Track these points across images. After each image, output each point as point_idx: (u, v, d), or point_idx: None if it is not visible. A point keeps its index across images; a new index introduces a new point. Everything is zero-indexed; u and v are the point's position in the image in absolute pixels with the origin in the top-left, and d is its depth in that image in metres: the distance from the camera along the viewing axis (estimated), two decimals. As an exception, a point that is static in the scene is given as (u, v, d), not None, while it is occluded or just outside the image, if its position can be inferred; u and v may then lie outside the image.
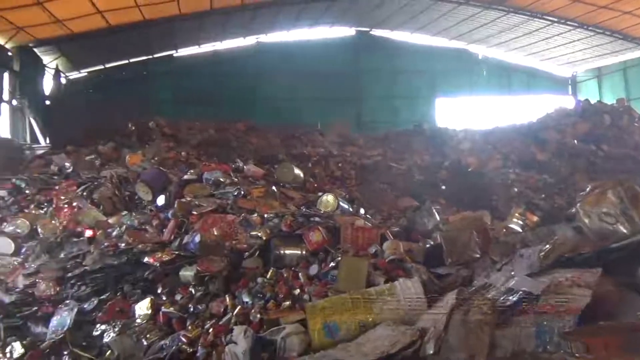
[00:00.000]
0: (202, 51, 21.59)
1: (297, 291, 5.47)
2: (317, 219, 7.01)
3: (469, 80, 23.78)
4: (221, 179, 8.61)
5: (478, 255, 5.62)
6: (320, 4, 19.14)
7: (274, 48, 21.96)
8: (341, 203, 8.08)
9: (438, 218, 7.73)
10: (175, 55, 21.26)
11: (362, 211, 8.94)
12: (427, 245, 6.30)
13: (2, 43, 14.53)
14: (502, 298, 3.87)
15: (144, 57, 20.46)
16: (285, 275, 5.88)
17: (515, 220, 8.29)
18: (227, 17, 18.73)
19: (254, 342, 4.18)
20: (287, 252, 6.23)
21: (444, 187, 13.35)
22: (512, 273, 4.46)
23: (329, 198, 7.99)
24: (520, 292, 3.85)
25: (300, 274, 5.81)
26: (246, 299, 5.68)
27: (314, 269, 5.85)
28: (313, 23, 21.69)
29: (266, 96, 21.16)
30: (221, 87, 20.90)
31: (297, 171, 9.65)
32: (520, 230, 7.80)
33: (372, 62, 22.45)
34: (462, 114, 23.34)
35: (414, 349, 3.47)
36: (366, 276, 5.07)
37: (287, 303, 5.27)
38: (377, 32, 23.23)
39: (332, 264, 5.81)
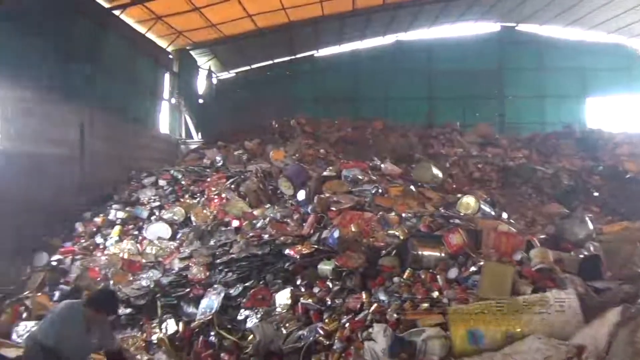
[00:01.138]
0: (342, 50, 21.98)
1: (436, 294, 5.35)
2: (457, 221, 6.81)
3: (626, 78, 21.47)
4: (359, 177, 8.70)
5: (643, 270, 5.08)
6: (464, 1, 18.55)
7: (413, 46, 21.67)
8: (482, 206, 7.75)
9: (591, 227, 7.10)
10: (316, 55, 21.89)
11: (504, 215, 8.51)
12: (581, 256, 5.81)
13: (165, 47, 16.01)
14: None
15: (287, 58, 21.33)
16: (422, 276, 5.78)
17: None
18: (368, 17, 18.87)
19: (393, 341, 4.16)
20: (425, 253, 6.10)
21: (596, 194, 12.26)
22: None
23: (469, 200, 7.72)
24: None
25: (438, 276, 5.67)
26: (382, 297, 5.67)
27: (453, 272, 5.67)
28: (455, 20, 21.07)
29: (404, 95, 20.98)
30: (359, 85, 21.12)
31: (435, 171, 9.44)
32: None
33: (517, 59, 21.21)
34: (617, 115, 21.23)
35: (568, 366, 3.23)
36: (511, 284, 4.81)
37: (425, 305, 5.17)
38: (523, 28, 21.94)
39: (472, 268, 5.60)
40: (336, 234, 6.67)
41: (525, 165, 13.29)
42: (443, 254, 6.03)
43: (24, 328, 6.63)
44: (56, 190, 9.18)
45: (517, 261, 5.60)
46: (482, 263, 5.44)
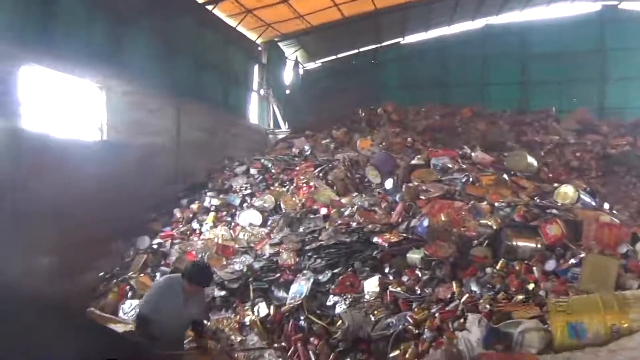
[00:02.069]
0: (428, 37, 21.50)
1: (531, 286, 5.16)
2: (554, 211, 6.50)
3: None
4: (449, 165, 8.52)
5: None
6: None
7: (503, 30, 20.73)
8: (582, 196, 7.34)
9: None
10: (402, 42, 21.57)
11: (606, 206, 8.01)
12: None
13: (254, 39, 16.44)
14: None
15: (373, 46, 21.18)
16: (517, 267, 5.60)
17: None
18: (457, 2, 18.32)
19: (488, 332, 4.07)
20: (520, 243, 5.88)
21: None
22: None
23: (567, 190, 7.33)
24: None
25: (534, 268, 5.46)
26: (474, 287, 5.55)
27: (550, 264, 5.44)
28: (550, 1, 19.95)
29: (494, 80, 20.17)
30: (447, 72, 20.58)
31: (530, 159, 9.03)
32: None
33: (621, 39, 19.63)
34: None
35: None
36: (616, 278, 4.54)
37: (520, 297, 5.01)
38: (627, 5, 20.32)
39: (572, 260, 5.34)
40: (425, 222, 6.58)
41: (629, 153, 12.35)
42: (539, 245, 5.79)
43: (129, 306, 7.14)
44: (156, 178, 9.75)
45: (622, 254, 5.27)
46: (582, 255, 5.17)
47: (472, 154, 9.54)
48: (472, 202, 7.09)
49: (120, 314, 7.10)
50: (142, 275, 7.86)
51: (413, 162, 8.87)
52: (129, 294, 7.51)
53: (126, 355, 4.76)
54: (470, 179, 7.84)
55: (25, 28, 6.91)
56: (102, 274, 8.09)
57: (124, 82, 8.98)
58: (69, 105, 7.96)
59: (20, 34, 6.81)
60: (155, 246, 8.59)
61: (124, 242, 8.73)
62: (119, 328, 6.21)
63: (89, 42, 8.12)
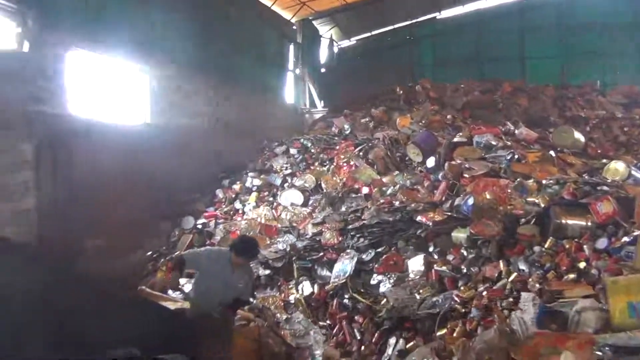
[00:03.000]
0: (465, 11, 20.99)
1: (582, 264, 5.05)
2: (604, 187, 6.32)
3: None
4: (492, 142, 8.35)
5: None
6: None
7: (541, 0, 20.07)
8: (633, 172, 7.11)
9: None
10: (438, 17, 21.12)
11: (657, 182, 7.74)
12: None
13: (289, 18, 16.36)
14: None
15: (408, 22, 20.81)
16: (566, 246, 5.48)
17: None
18: (495, -27, 17.84)
19: (542, 311, 4.01)
20: (570, 221, 5.73)
21: None
22: None
23: (618, 166, 7.11)
24: None
25: (585, 246, 5.34)
26: (522, 266, 5.47)
27: (602, 243, 5.29)
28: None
29: (533, 54, 19.56)
30: (484, 46, 20.02)
31: (577, 135, 8.78)
32: None
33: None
34: None
35: None
36: (674, 255, 4.40)
37: (572, 276, 4.92)
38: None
39: (625, 238, 5.18)
40: (470, 201, 6.50)
41: (678, 127, 11.89)
42: (589, 223, 5.64)
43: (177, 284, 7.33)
44: (198, 159, 9.89)
45: (678, 232, 5.09)
46: (637, 233, 5.02)
47: (516, 131, 9.32)
48: (518, 179, 6.95)
49: (169, 291, 7.29)
50: (188, 254, 8.03)
51: (455, 139, 8.73)
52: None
53: (177, 330, 4.93)
54: (516, 156, 7.67)
55: (71, 14, 7.03)
56: (150, 253, 8.32)
57: (164, 66, 9.09)
58: (113, 90, 8.11)
59: (66, 19, 6.94)
60: (199, 226, 8.77)
61: (170, 223, 8.93)
62: (169, 305, 6.38)
63: (131, 27, 8.23)
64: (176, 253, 5.82)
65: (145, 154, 8.01)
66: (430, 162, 8.31)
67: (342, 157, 9.48)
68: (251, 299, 6.33)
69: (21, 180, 6.09)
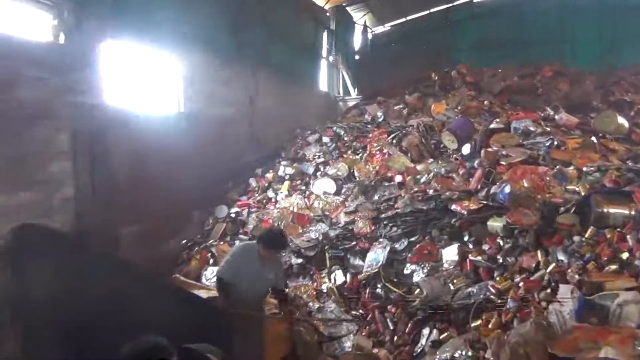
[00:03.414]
0: (504, -8, 20.41)
1: (625, 255, 4.85)
2: (649, 175, 6.06)
3: None
4: (531, 128, 8.10)
5: None
6: None
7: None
8: (680, 158, 6.80)
9: None
10: (475, 0, 20.59)
11: None
12: None
13: (322, 5, 16.22)
14: None
15: (444, 6, 20.35)
16: (608, 236, 5.27)
17: None
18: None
19: (581, 304, 3.87)
20: (611, 210, 5.51)
21: None
22: None
23: (664, 152, 6.81)
24: None
25: (628, 236, 5.13)
26: (561, 257, 5.31)
27: (646, 232, 5.08)
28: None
29: (575, 36, 18.86)
30: (524, 29, 19.37)
31: (620, 120, 8.40)
32: None
33: None
34: None
35: None
36: None
37: (614, 267, 4.74)
38: None
39: (672, 228, 4.97)
40: (507, 189, 6.32)
41: None
42: (633, 212, 5.41)
43: (211, 272, 7.42)
44: (231, 148, 9.95)
45: None
46: (685, 223, 4.80)
47: (556, 116, 9.01)
48: (557, 166, 6.73)
49: (203, 280, 7.39)
50: (221, 243, 8.14)
51: (492, 126, 8.50)
52: (210, 261, 7.81)
53: (210, 318, 4.98)
54: (555, 143, 7.42)
55: (105, 4, 7.09)
56: (184, 242, 8.43)
57: (198, 54, 9.13)
58: (148, 79, 8.20)
59: (101, 10, 7.00)
60: (233, 215, 8.82)
61: (203, 211, 9.02)
62: (203, 293, 6.46)
63: (165, 15, 8.27)
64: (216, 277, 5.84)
65: (180, 143, 8.07)
66: (466, 149, 8.13)
67: (375, 145, 9.36)
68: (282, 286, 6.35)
69: (59, 170, 6.22)
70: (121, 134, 7.11)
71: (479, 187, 6.95)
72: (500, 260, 5.79)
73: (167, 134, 8.01)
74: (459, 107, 10.25)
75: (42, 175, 5.90)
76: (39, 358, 4.76)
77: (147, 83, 8.16)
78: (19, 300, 4.98)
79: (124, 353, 2.95)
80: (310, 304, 6.76)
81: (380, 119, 10.78)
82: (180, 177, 7.97)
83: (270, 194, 9.28)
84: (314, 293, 7.00)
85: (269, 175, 9.79)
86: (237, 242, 8.00)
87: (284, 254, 6.91)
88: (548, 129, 8.21)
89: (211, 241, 8.25)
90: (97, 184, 6.73)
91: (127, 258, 6.34)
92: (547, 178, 6.50)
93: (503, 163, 7.22)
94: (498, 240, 6.06)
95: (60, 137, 6.22)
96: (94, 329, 4.41)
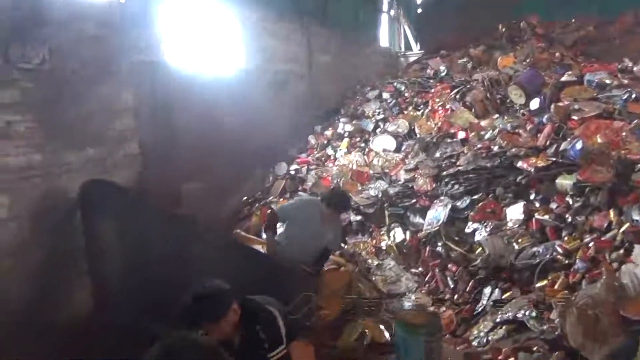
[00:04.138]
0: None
1: None
2: None
3: None
4: (606, 81, 7.56)
5: None
6: None
7: None
8: None
9: None
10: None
11: None
12: None
13: (383, -44, 15.69)
14: None
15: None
16: (692, 195, 4.92)
17: None
18: None
19: (657, 265, 3.64)
20: (692, 167, 5.13)
21: None
22: None
23: None
24: None
25: None
26: (636, 216, 5.00)
27: None
28: None
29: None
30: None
31: None
32: None
33: None
34: None
35: None
36: None
37: (695, 227, 4.42)
38: None
39: None
40: (578, 145, 5.97)
41: None
42: None
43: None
44: (290, 105, 9.91)
45: None
46: None
47: (634, 68, 8.37)
48: (634, 121, 6.28)
49: (263, 235, 7.51)
50: (281, 199, 8.22)
51: (563, 78, 8.01)
52: (271, 217, 7.91)
53: (270, 272, 5.07)
54: (633, 96, 6.90)
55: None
56: (245, 198, 8.58)
57: (258, 10, 9.05)
58: (208, 37, 8.20)
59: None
60: (292, 172, 8.87)
61: (263, 168, 9.11)
62: (263, 249, 6.58)
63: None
64: (269, 210, 5.93)
65: (239, 100, 8.10)
66: (535, 103, 7.71)
67: (438, 100, 9.04)
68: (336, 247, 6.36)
69: (124, 127, 6.40)
70: (182, 91, 7.20)
71: (548, 143, 6.61)
72: (569, 220, 5.54)
73: (227, 91, 8.04)
74: (528, 60, 9.71)
75: (107, 133, 6.08)
76: (108, 309, 5.02)
77: (207, 40, 8.18)
78: (90, 251, 5.23)
79: (189, 294, 3.11)
80: (369, 260, 6.76)
81: (443, 74, 10.38)
82: (240, 135, 8.03)
83: (329, 151, 9.23)
84: (373, 250, 7.00)
85: (328, 133, 9.72)
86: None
87: (345, 216, 6.89)
88: (625, 81, 7.64)
89: (271, 198, 8.36)
90: (161, 141, 6.90)
91: (189, 213, 6.53)
92: (623, 133, 6.08)
93: (575, 118, 6.80)
94: (567, 198, 5.78)
95: (124, 95, 6.36)
96: (158, 283, 4.57)
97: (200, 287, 3.18)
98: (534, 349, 3.99)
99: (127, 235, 5.11)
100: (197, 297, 3.11)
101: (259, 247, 6.48)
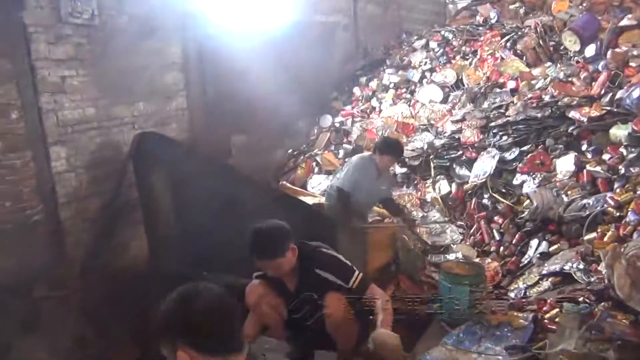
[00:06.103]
0: None
1: None
2: None
3: None
4: (670, 24, 7.13)
5: None
6: None
7: None
8: None
9: None
10: None
11: None
12: None
13: None
14: None
15: None
16: None
17: None
18: None
19: None
20: None
21: None
22: None
23: None
24: None
25: None
26: (694, 168, 4.82)
27: None
28: None
29: None
30: None
31: None
32: None
33: None
34: None
35: None
36: None
37: None
38: None
39: None
40: (635, 93, 5.71)
41: None
42: None
43: (316, 180, 7.65)
44: (335, 56, 9.82)
45: None
46: None
47: None
48: (700, 67, 5.94)
49: (309, 187, 7.64)
50: (326, 152, 8.29)
51: (622, 23, 7.56)
52: (315, 169, 8.02)
53: (316, 224, 5.18)
54: (700, 40, 6.51)
55: None
56: (290, 151, 8.67)
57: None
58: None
59: None
60: (337, 124, 8.87)
61: (308, 121, 9.14)
62: (309, 200, 6.71)
63: None
64: (332, 187, 6.04)
65: (286, 52, 8.06)
66: (590, 50, 7.34)
67: (487, 48, 8.73)
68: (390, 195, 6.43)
69: (173, 81, 6.53)
70: (228, 44, 7.22)
71: (603, 91, 6.34)
72: (622, 171, 5.36)
73: (273, 43, 8.01)
74: (584, 4, 9.17)
75: (156, 86, 6.23)
76: (162, 257, 5.26)
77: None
78: (143, 202, 5.46)
79: (252, 229, 3.25)
80: (414, 212, 6.79)
81: (494, 20, 9.96)
82: (285, 88, 8.03)
83: (375, 103, 9.13)
84: (418, 202, 7.01)
85: (373, 84, 9.58)
86: (340, 152, 8.13)
87: (398, 163, 6.89)
88: (692, 24, 7.18)
89: (316, 150, 8.42)
90: (209, 94, 7.02)
91: (237, 165, 6.68)
92: (687, 80, 5.78)
93: (633, 65, 6.47)
94: (621, 149, 5.59)
95: (172, 49, 6.47)
96: (209, 232, 4.74)
97: (264, 223, 3.29)
98: (580, 299, 3.97)
99: (179, 186, 5.30)
100: (257, 232, 3.23)
101: (304, 199, 6.65)
